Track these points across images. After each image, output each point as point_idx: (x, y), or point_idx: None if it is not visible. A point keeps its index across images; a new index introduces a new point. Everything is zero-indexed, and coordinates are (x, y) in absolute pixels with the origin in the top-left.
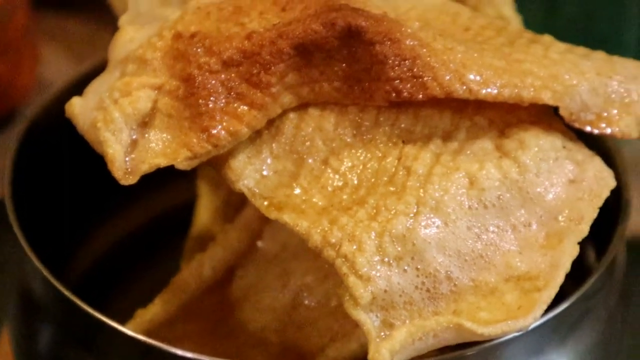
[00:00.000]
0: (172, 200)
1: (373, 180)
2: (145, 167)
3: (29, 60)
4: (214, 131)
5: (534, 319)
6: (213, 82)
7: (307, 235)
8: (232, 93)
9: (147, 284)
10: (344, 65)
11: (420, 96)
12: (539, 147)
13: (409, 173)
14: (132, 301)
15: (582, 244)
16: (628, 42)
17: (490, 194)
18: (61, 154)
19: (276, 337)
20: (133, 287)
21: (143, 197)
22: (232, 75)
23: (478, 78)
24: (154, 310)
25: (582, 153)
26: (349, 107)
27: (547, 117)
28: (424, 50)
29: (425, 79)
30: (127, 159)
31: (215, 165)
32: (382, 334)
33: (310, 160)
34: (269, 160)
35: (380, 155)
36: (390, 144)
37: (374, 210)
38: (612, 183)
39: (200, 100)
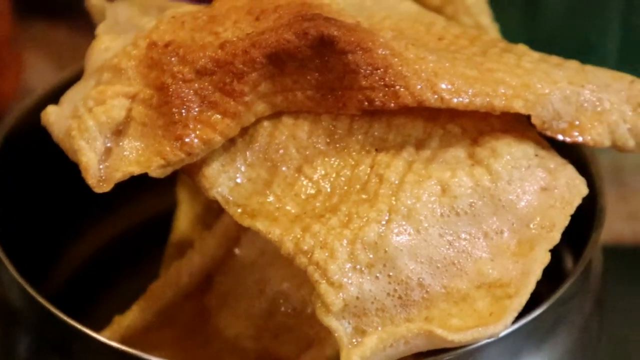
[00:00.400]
0: (153, 207)
1: (346, 188)
2: (119, 175)
3: (13, 67)
4: (188, 139)
5: (504, 325)
6: (186, 90)
7: (279, 242)
8: (206, 102)
9: (128, 291)
10: (316, 74)
11: (393, 105)
12: (511, 155)
13: (381, 181)
14: (113, 308)
15: (560, 250)
16: (610, 51)
17: (462, 202)
18: (40, 161)
19: (252, 343)
20: (115, 295)
21: (124, 205)
22: (206, 84)
23: (450, 87)
24: (131, 317)
25: (554, 161)
26: (322, 116)
27: (520, 125)
28: (396, 59)
29: (397, 87)
30: (101, 167)
31: (189, 173)
32: (354, 340)
33: (284, 168)
34: (242, 168)
35: (353, 163)
36: (363, 152)
37: (346, 218)
38: (584, 191)
39: (174, 109)
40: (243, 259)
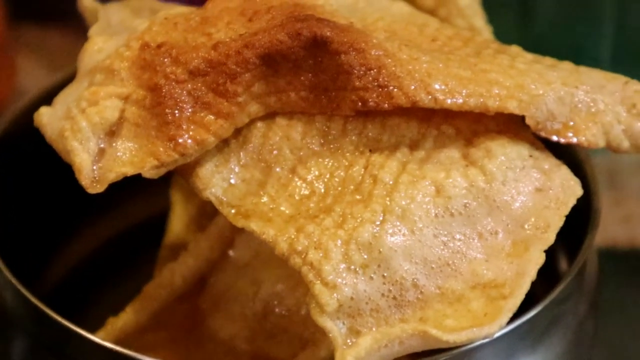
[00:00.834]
0: (148, 209)
1: (340, 188)
2: (112, 176)
3: (7, 71)
4: (181, 140)
5: (499, 326)
6: (179, 91)
7: (273, 243)
8: (199, 102)
9: (123, 292)
10: (310, 75)
11: (386, 105)
12: (506, 155)
13: (375, 181)
14: (107, 310)
15: (555, 251)
16: (603, 53)
17: (456, 202)
18: (34, 163)
19: (247, 345)
20: (109, 296)
21: (118, 207)
22: (199, 84)
23: (443, 87)
24: (125, 319)
25: (548, 162)
26: (316, 116)
27: (514, 126)
28: (389, 60)
29: (390, 88)
30: (94, 167)
31: (183, 174)
32: (349, 341)
33: (277, 169)
34: (236, 169)
35: (347, 163)
36: (357, 153)
37: (341, 218)
38: (578, 191)
39: (167, 110)
40: (237, 261)
